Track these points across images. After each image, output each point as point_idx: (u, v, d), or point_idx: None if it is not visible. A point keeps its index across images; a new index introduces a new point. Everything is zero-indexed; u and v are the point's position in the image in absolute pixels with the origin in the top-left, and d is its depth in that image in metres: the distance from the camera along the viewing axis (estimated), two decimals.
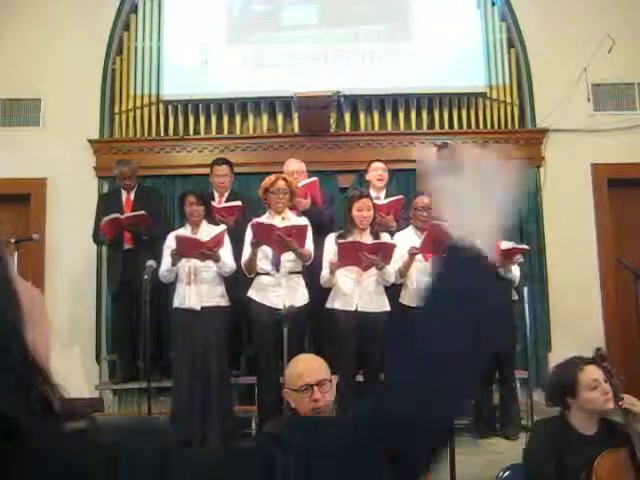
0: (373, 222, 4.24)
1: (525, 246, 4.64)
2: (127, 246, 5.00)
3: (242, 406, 4.72)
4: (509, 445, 4.14)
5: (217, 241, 4.18)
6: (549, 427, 2.54)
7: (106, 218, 4.79)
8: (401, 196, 4.77)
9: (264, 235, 4.05)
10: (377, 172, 4.93)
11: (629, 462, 2.24)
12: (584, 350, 2.59)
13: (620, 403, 2.37)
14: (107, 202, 5.17)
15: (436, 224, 4.19)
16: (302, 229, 4.09)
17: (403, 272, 4.24)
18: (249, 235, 4.14)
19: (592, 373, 2.41)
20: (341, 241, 4.07)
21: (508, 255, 4.29)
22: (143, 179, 5.47)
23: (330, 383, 2.41)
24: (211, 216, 4.46)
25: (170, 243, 4.30)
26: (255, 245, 4.06)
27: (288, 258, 4.16)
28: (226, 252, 4.28)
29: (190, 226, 4.40)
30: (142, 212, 4.82)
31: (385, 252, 4.05)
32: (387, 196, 4.87)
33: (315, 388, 2.36)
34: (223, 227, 4.37)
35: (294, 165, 4.91)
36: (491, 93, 6.03)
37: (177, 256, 4.20)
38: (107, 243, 5.16)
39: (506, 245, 4.31)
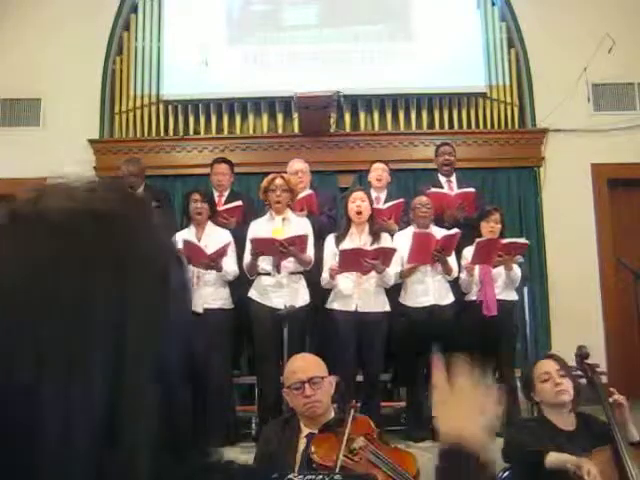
0: (372, 220, 4.23)
1: (524, 240, 4.62)
2: None
3: (242, 406, 4.72)
4: None
5: (221, 253, 4.16)
6: (529, 423, 2.59)
7: None
8: (401, 199, 4.74)
9: (265, 248, 4.05)
10: (376, 172, 4.91)
11: (614, 461, 2.25)
12: None
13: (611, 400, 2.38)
14: None
15: (421, 232, 4.20)
16: (303, 239, 4.07)
17: (405, 274, 4.24)
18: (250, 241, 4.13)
19: (543, 366, 2.49)
20: (342, 249, 4.04)
21: (508, 250, 4.28)
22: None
23: (323, 380, 2.40)
24: (215, 217, 4.44)
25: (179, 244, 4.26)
26: (255, 255, 4.06)
27: (288, 259, 4.15)
28: (230, 260, 4.23)
29: (195, 227, 4.36)
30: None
31: (386, 257, 4.05)
32: (388, 197, 4.84)
33: (306, 385, 2.36)
34: (229, 237, 4.30)
35: (298, 165, 4.89)
36: (491, 93, 6.03)
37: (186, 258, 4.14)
38: None
39: (506, 240, 4.32)
